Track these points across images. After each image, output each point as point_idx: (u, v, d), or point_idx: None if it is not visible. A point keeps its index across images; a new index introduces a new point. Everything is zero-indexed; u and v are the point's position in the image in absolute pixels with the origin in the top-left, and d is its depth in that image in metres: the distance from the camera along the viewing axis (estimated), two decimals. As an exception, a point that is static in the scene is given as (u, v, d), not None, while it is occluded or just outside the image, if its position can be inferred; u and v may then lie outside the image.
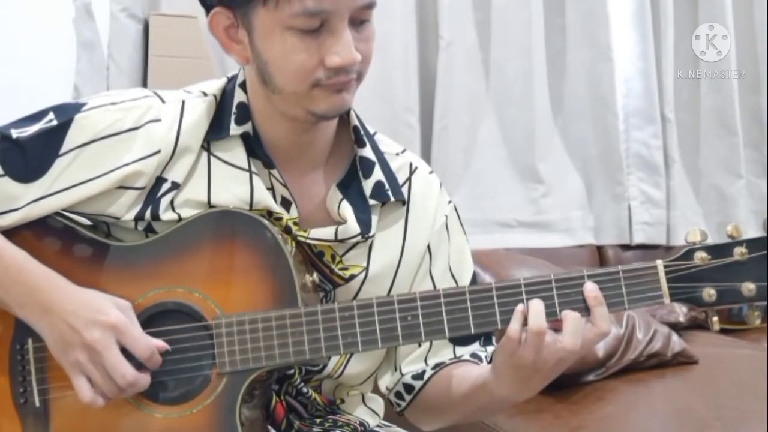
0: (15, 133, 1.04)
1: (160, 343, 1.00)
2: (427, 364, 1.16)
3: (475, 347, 1.16)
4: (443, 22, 2.59)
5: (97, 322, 0.97)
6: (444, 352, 1.16)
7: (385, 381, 1.20)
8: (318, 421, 1.18)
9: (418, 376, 1.16)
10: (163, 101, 1.07)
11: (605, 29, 2.77)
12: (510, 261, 2.28)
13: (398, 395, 1.18)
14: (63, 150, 1.03)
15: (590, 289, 0.96)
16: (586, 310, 0.97)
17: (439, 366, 1.15)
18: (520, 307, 0.96)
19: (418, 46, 2.62)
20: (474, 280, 1.20)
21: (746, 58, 2.98)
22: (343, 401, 1.22)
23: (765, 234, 0.95)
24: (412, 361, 1.17)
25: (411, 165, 1.18)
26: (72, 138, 1.03)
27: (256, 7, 0.97)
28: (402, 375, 1.17)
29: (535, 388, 1.01)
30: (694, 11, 2.94)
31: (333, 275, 1.11)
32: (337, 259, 1.10)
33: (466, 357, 1.16)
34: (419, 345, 1.16)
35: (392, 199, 1.11)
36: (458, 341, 1.16)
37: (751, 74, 2.99)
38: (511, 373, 0.99)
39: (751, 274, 0.95)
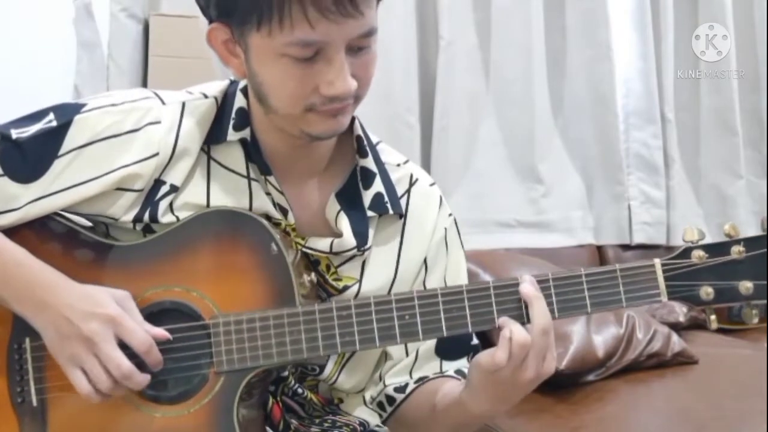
0: (15, 134, 1.03)
1: (159, 331, 0.99)
2: (411, 377, 1.15)
3: (462, 363, 1.15)
4: (443, 22, 2.59)
5: (95, 314, 0.96)
6: (430, 365, 1.15)
7: (369, 391, 1.18)
8: (317, 421, 1.18)
9: (401, 389, 1.14)
10: (163, 103, 1.06)
11: (605, 29, 2.77)
12: (510, 261, 2.28)
13: (380, 405, 1.17)
14: (62, 151, 1.02)
15: (527, 287, 0.95)
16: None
17: (421, 380, 1.14)
18: (505, 333, 0.94)
19: (418, 46, 2.62)
20: None
21: (746, 58, 2.98)
22: (341, 401, 1.21)
23: (763, 233, 0.95)
24: (397, 372, 1.15)
25: (411, 177, 1.16)
26: (71, 139, 1.03)
27: (251, 30, 0.95)
28: (385, 386, 1.15)
29: (513, 402, 1.00)
30: (694, 11, 2.94)
31: (326, 284, 1.10)
32: (332, 269, 1.09)
33: (451, 373, 1.14)
34: (415, 350, 1.15)
35: (390, 212, 1.10)
36: (446, 355, 1.15)
37: (751, 74, 2.99)
38: (491, 389, 0.98)
39: (748, 273, 0.95)
